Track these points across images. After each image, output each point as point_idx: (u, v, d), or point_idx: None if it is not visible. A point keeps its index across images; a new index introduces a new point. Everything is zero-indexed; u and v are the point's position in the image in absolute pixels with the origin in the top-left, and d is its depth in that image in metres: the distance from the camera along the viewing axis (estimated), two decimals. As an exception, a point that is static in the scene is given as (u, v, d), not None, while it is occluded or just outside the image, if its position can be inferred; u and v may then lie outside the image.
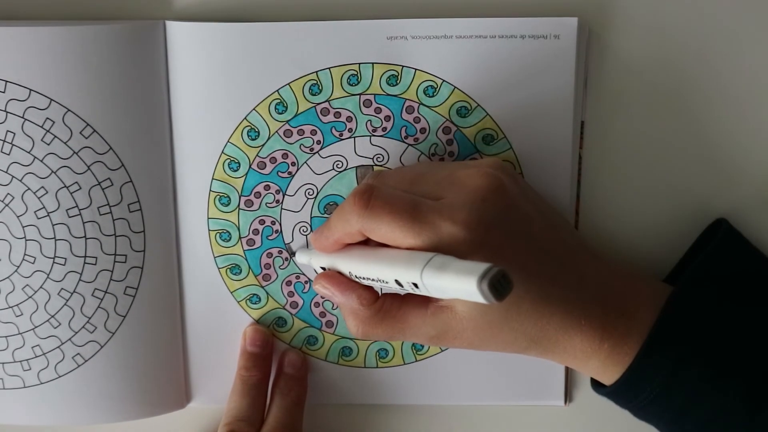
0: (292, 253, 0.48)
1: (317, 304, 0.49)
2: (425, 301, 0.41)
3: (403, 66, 0.46)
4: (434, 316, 0.41)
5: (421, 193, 0.41)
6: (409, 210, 0.39)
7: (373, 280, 0.40)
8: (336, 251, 0.43)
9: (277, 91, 0.46)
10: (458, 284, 0.34)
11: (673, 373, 0.41)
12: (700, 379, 0.42)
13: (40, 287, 0.47)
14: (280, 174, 0.47)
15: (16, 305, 0.47)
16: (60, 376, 0.48)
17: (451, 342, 0.41)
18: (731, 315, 0.43)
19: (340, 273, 0.43)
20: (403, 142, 0.47)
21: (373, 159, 0.47)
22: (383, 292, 0.42)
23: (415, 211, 0.39)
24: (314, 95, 0.46)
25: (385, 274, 0.38)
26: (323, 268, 0.44)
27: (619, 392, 0.43)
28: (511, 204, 0.41)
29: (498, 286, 0.33)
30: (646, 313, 0.42)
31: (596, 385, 0.45)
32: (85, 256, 0.46)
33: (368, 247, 0.42)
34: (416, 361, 0.49)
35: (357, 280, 0.42)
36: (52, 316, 0.47)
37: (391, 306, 0.41)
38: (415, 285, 0.37)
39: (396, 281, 0.38)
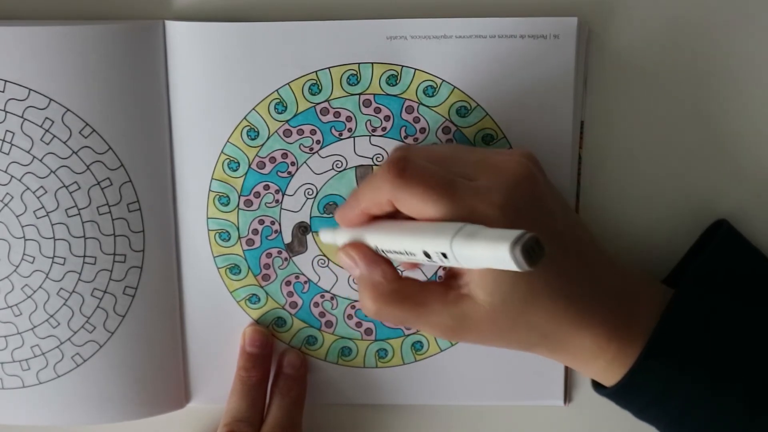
0: (292, 253, 0.48)
1: (316, 304, 0.48)
2: (446, 288, 0.40)
3: (402, 66, 0.46)
4: (454, 303, 0.40)
5: (453, 173, 0.40)
6: (445, 186, 0.39)
7: (399, 252, 0.39)
8: (361, 224, 0.42)
9: (277, 90, 0.46)
10: (490, 251, 0.33)
11: (673, 375, 0.41)
12: (701, 381, 0.42)
13: (39, 287, 0.47)
14: (279, 174, 0.47)
15: (15, 305, 0.47)
16: (59, 376, 0.47)
17: (466, 334, 0.41)
18: (731, 317, 0.43)
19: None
20: (403, 142, 0.47)
21: (372, 159, 0.47)
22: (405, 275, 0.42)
23: (450, 189, 0.39)
24: (314, 95, 0.46)
25: (413, 245, 0.38)
26: None
27: (620, 394, 0.43)
28: (541, 196, 0.41)
29: (531, 251, 0.32)
30: (650, 315, 0.42)
31: (597, 385, 0.45)
32: (84, 256, 0.46)
33: (395, 221, 0.41)
34: (416, 361, 0.49)
35: (382, 255, 0.41)
36: (51, 316, 0.47)
37: (412, 287, 0.41)
38: (444, 255, 0.36)
39: (424, 252, 0.37)
